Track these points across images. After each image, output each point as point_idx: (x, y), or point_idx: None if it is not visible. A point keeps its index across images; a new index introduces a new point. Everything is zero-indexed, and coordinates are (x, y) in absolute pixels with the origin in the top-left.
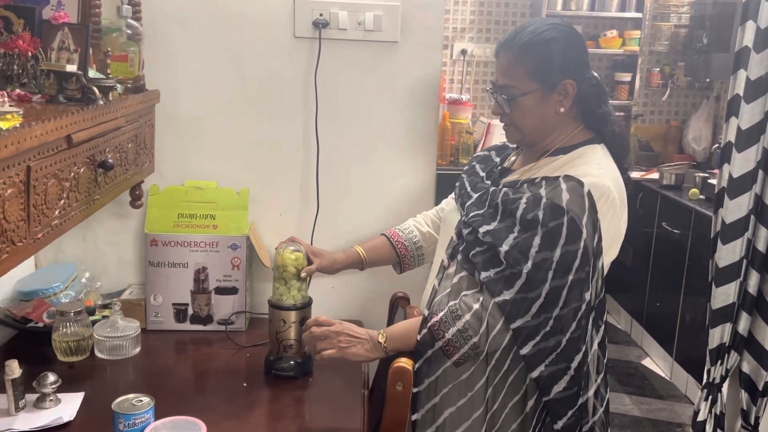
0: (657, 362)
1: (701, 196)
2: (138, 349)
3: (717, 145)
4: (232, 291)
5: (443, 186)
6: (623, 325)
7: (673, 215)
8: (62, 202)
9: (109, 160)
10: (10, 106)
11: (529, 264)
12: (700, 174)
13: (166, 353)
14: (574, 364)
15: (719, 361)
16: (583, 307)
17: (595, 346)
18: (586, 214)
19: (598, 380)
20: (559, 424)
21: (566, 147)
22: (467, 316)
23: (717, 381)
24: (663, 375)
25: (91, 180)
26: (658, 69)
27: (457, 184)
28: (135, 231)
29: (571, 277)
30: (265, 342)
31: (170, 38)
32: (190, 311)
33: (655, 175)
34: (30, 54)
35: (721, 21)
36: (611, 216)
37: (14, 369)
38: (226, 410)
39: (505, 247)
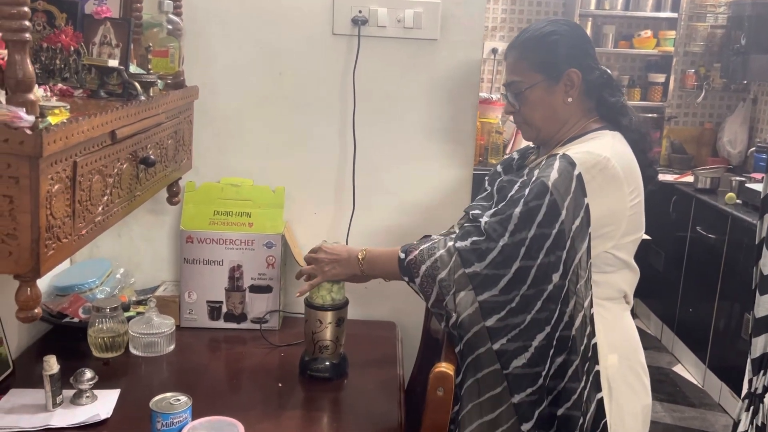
0: (689, 369)
1: (738, 201)
2: (172, 347)
3: (753, 148)
4: (267, 289)
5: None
6: (653, 330)
7: (709, 220)
8: (105, 198)
9: (151, 157)
10: (56, 100)
11: (506, 238)
12: (737, 178)
13: (200, 351)
14: (535, 343)
15: (762, 371)
16: (550, 288)
17: (586, 341)
18: (571, 196)
19: (585, 379)
20: (516, 398)
21: (577, 135)
22: (441, 251)
23: (759, 391)
24: (695, 382)
25: (133, 176)
26: (693, 70)
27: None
28: (170, 227)
29: (540, 258)
30: (299, 342)
31: (209, 34)
32: (224, 309)
33: (690, 179)
34: (72, 48)
35: (761, 22)
36: (610, 189)
37: (52, 365)
38: (262, 411)
39: (485, 218)
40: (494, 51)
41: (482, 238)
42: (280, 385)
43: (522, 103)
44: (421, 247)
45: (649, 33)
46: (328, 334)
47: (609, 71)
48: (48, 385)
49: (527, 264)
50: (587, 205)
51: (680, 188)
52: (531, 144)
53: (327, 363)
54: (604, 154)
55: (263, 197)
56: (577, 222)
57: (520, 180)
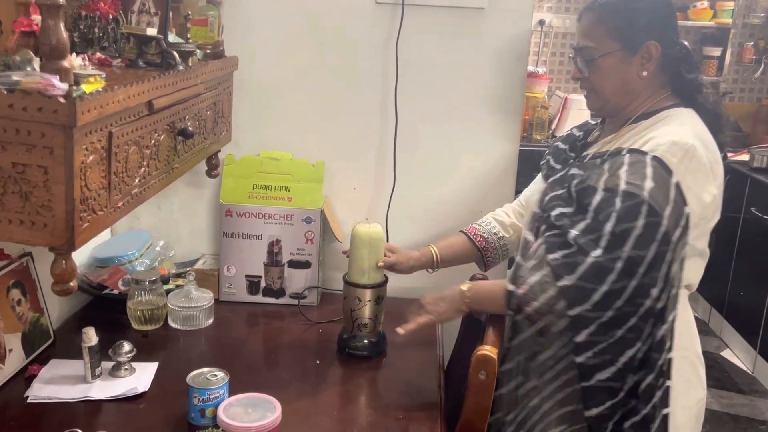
0: (738, 354)
1: None
2: (211, 320)
3: None
4: (305, 265)
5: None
6: (701, 313)
7: (764, 200)
8: (142, 170)
9: (189, 128)
10: (93, 69)
11: (599, 253)
12: None
13: (239, 326)
14: (624, 359)
15: None
16: (648, 303)
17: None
18: (670, 207)
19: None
20: (594, 412)
21: (649, 112)
22: (551, 292)
23: None
24: (744, 368)
25: (171, 148)
26: (751, 43)
27: (542, 162)
28: (209, 201)
29: (639, 278)
30: (337, 318)
31: (249, 3)
32: (262, 284)
33: (745, 157)
34: (111, 17)
35: None
36: (702, 183)
37: (91, 336)
38: (299, 388)
39: (574, 233)
40: (541, 23)
41: (572, 250)
42: (318, 362)
43: (592, 71)
44: (530, 281)
45: (705, 4)
46: (366, 312)
47: (687, 46)
48: (87, 357)
49: (622, 282)
50: (688, 214)
51: (734, 167)
52: (590, 119)
53: (365, 341)
54: (689, 141)
55: (302, 171)
56: (678, 232)
57: (602, 180)
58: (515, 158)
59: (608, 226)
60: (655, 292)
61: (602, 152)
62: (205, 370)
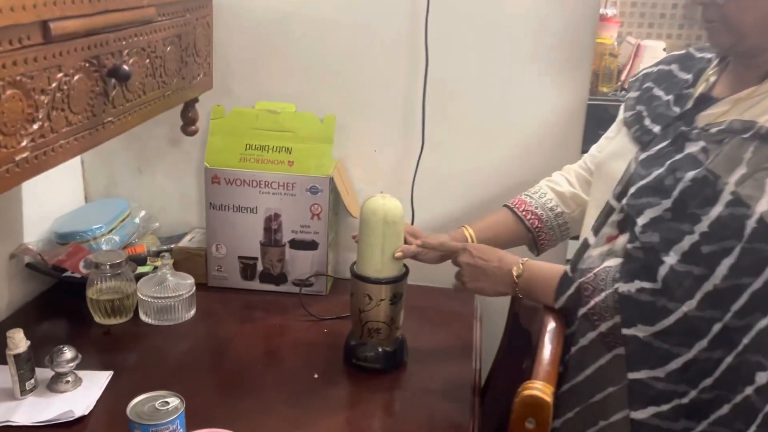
0: None
1: None
2: (192, 312)
3: None
4: (311, 246)
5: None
6: None
7: None
8: (35, 126)
9: (124, 67)
10: None
11: (694, 302)
12: None
13: (227, 320)
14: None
15: None
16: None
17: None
18: None
19: None
20: None
21: None
22: (608, 291)
23: None
24: None
25: (97, 95)
26: None
27: (629, 115)
28: (198, 164)
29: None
30: (348, 315)
31: None
32: (259, 267)
33: None
34: None
35: None
36: None
37: (18, 341)
38: (286, 416)
39: (672, 259)
40: None
41: (656, 287)
42: (316, 376)
43: None
44: (596, 270)
45: None
46: (380, 313)
47: None
48: (13, 368)
49: (716, 352)
50: None
51: None
52: (692, 50)
53: (378, 350)
54: None
55: (308, 128)
56: None
57: (765, 201)
58: (582, 112)
59: (723, 267)
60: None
61: (745, 123)
62: (156, 395)
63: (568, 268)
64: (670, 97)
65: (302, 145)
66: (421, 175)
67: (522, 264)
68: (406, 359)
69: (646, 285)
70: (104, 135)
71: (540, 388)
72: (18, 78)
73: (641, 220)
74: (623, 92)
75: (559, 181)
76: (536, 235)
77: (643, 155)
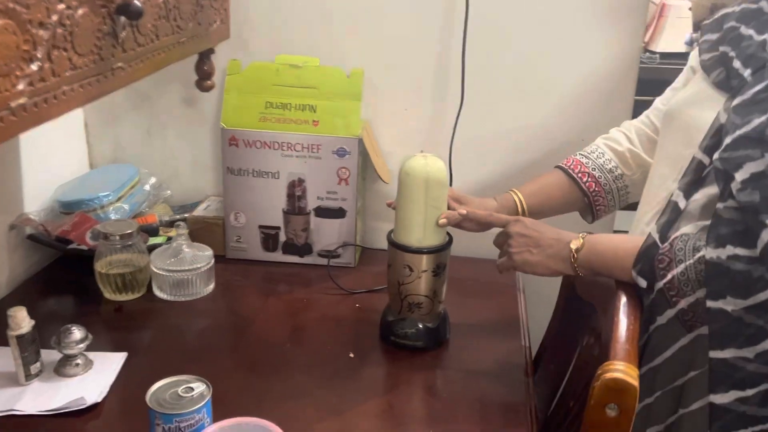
0: None
1: None
2: (211, 287)
3: None
4: (339, 213)
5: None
6: None
7: None
8: (32, 67)
9: (135, 2)
10: None
11: None
12: None
13: (249, 295)
14: None
15: None
16: None
17: None
18: None
19: None
20: None
21: None
22: (690, 260)
23: None
24: None
25: (105, 34)
26: None
27: (705, 58)
28: (213, 124)
29: None
30: (381, 288)
31: None
32: (282, 237)
33: None
34: None
35: None
36: None
37: (20, 321)
38: (322, 400)
39: None
40: None
41: (753, 254)
42: (351, 355)
43: None
44: (671, 239)
45: None
46: (421, 286)
47: None
48: (16, 351)
49: None
50: None
51: None
52: None
53: (419, 326)
54: None
55: (334, 84)
56: None
57: None
58: (635, 64)
59: None
60: None
61: None
62: (179, 380)
63: (656, 235)
64: (765, 36)
65: (328, 103)
66: (459, 136)
67: (583, 237)
68: (448, 336)
69: (741, 251)
70: (113, 83)
71: (623, 370)
72: (11, 6)
73: (740, 176)
74: (647, 54)
75: (619, 139)
76: (593, 200)
77: (736, 101)
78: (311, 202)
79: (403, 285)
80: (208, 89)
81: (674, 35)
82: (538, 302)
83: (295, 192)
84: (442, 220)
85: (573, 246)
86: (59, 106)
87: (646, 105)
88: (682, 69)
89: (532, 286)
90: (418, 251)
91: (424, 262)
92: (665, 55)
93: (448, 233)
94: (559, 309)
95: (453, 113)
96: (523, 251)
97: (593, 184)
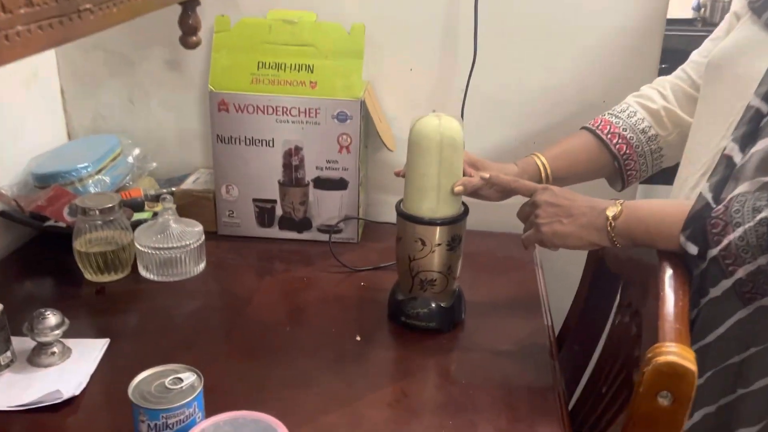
0: None
1: None
2: (202, 266)
3: None
4: (340, 185)
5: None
6: None
7: None
8: None
9: None
10: None
11: None
12: None
13: (243, 274)
14: None
15: None
16: None
17: None
18: None
19: None
20: None
21: None
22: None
23: None
24: None
25: None
26: None
27: (750, 1)
28: (201, 88)
29: None
30: (388, 264)
31: None
32: (278, 211)
33: None
34: None
35: None
36: None
37: None
38: (327, 388)
39: None
40: None
41: None
42: (358, 338)
43: None
44: (726, 201)
45: None
46: (435, 261)
47: None
48: None
49: None
50: None
51: None
52: None
53: (432, 305)
54: None
55: (332, 41)
56: None
57: None
58: (661, 20)
59: None
60: None
61: None
62: (165, 369)
63: (708, 195)
64: None
65: (326, 62)
66: (472, 98)
67: (620, 203)
68: (464, 316)
69: None
70: (81, 28)
71: (677, 353)
72: None
73: None
74: None
75: (652, 96)
76: (623, 164)
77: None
78: (309, 173)
79: (414, 260)
80: (193, 46)
81: (679, 0)
82: (559, 278)
83: (292, 161)
84: (458, 188)
85: (609, 213)
86: (13, 49)
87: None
88: (691, 36)
89: (552, 260)
90: (432, 222)
91: (438, 234)
92: (671, 22)
93: (463, 203)
94: (585, 284)
95: (465, 72)
96: (552, 221)
97: (624, 146)
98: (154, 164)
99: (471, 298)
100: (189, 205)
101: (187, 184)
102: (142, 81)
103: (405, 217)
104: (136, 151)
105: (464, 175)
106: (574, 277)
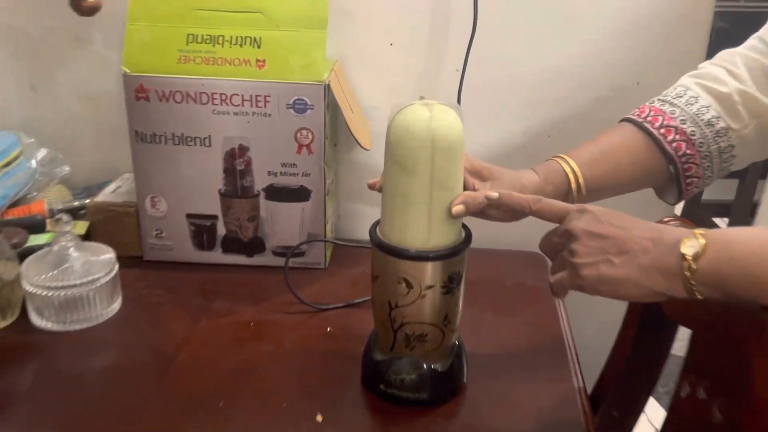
0: None
1: None
2: (116, 306)
3: None
4: (300, 195)
5: None
6: None
7: None
8: None
9: None
10: None
11: None
12: None
13: (171, 318)
14: None
15: None
16: None
17: None
18: None
19: None
20: None
21: None
22: None
23: None
24: None
25: None
26: None
27: None
28: (119, 70)
29: None
30: (365, 300)
31: None
32: (220, 230)
33: None
34: None
35: None
36: None
37: None
38: None
39: None
40: None
41: None
42: (318, 418)
43: None
44: None
45: None
46: (425, 310)
47: None
48: None
49: None
50: None
51: None
52: None
53: (423, 369)
54: None
55: (287, 7)
56: None
57: None
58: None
59: None
60: None
61: None
62: None
63: None
64: None
65: (278, 34)
66: (471, 79)
67: (701, 234)
68: (465, 380)
69: None
70: None
71: None
72: None
73: None
74: None
75: (719, 76)
76: (681, 168)
77: None
78: (260, 180)
79: (397, 308)
80: (89, 12)
81: None
82: (587, 311)
83: (236, 165)
84: (458, 207)
85: (687, 251)
86: None
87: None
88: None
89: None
90: (421, 257)
91: (430, 273)
92: None
93: (464, 226)
94: (630, 331)
95: (461, 47)
96: (598, 261)
97: (683, 145)
98: (66, 169)
99: (473, 348)
100: (105, 223)
101: (105, 195)
102: (46, 62)
103: (383, 248)
104: (42, 153)
105: (465, 188)
106: (609, 311)
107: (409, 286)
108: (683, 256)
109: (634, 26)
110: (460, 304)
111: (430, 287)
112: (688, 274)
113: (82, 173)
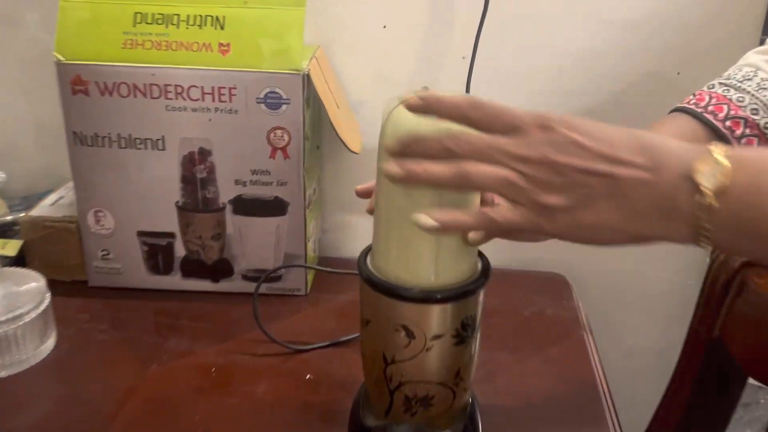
0: None
1: None
2: (49, 344)
3: None
4: (275, 208)
5: None
6: None
7: None
8: None
9: None
10: None
11: None
12: None
13: (115, 362)
14: None
15: None
16: None
17: None
18: None
19: None
20: None
21: None
22: None
23: None
24: None
25: None
26: None
27: None
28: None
29: None
30: (351, 338)
31: None
32: (179, 250)
33: None
34: None
35: None
36: None
37: None
38: None
39: None
40: None
41: None
42: None
43: None
44: None
45: None
46: (431, 365)
47: None
48: None
49: None
50: None
51: None
52: None
53: None
54: None
55: None
56: None
57: None
58: None
59: None
60: None
61: None
62: None
63: None
64: None
65: (246, 12)
66: (481, 68)
67: (723, 154)
68: None
69: None
70: None
71: None
72: None
73: None
74: None
75: None
76: None
77: None
78: (225, 190)
79: (394, 364)
80: None
81: None
82: (608, 335)
83: (196, 173)
84: (474, 235)
85: (704, 180)
86: None
87: None
88: None
89: (602, 315)
90: (427, 298)
91: (438, 318)
92: None
93: (480, 254)
94: (685, 377)
95: (470, 30)
96: (576, 205)
97: (755, 141)
98: (3, 176)
99: (487, 400)
100: (43, 242)
101: (42, 208)
102: None
103: (376, 286)
104: None
105: (483, 201)
106: (634, 333)
107: (411, 335)
108: (698, 188)
109: (675, 5)
110: (476, 356)
111: (437, 337)
112: (702, 215)
113: (21, 181)
